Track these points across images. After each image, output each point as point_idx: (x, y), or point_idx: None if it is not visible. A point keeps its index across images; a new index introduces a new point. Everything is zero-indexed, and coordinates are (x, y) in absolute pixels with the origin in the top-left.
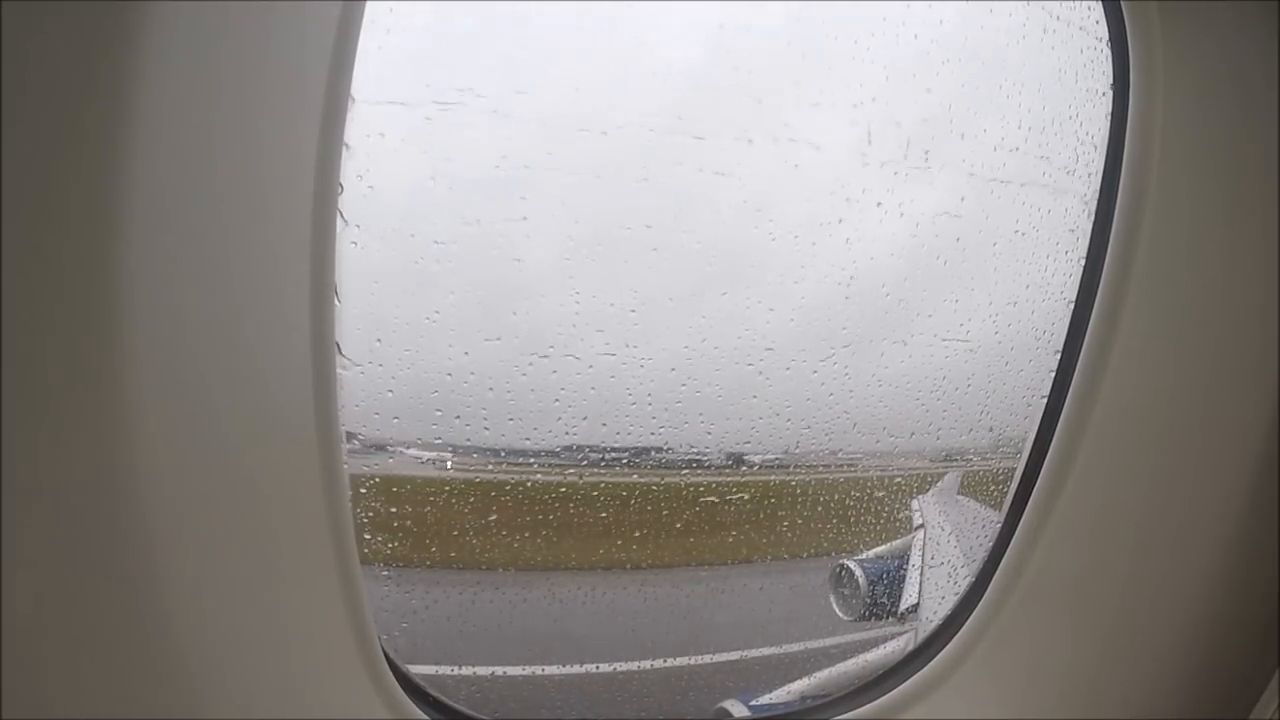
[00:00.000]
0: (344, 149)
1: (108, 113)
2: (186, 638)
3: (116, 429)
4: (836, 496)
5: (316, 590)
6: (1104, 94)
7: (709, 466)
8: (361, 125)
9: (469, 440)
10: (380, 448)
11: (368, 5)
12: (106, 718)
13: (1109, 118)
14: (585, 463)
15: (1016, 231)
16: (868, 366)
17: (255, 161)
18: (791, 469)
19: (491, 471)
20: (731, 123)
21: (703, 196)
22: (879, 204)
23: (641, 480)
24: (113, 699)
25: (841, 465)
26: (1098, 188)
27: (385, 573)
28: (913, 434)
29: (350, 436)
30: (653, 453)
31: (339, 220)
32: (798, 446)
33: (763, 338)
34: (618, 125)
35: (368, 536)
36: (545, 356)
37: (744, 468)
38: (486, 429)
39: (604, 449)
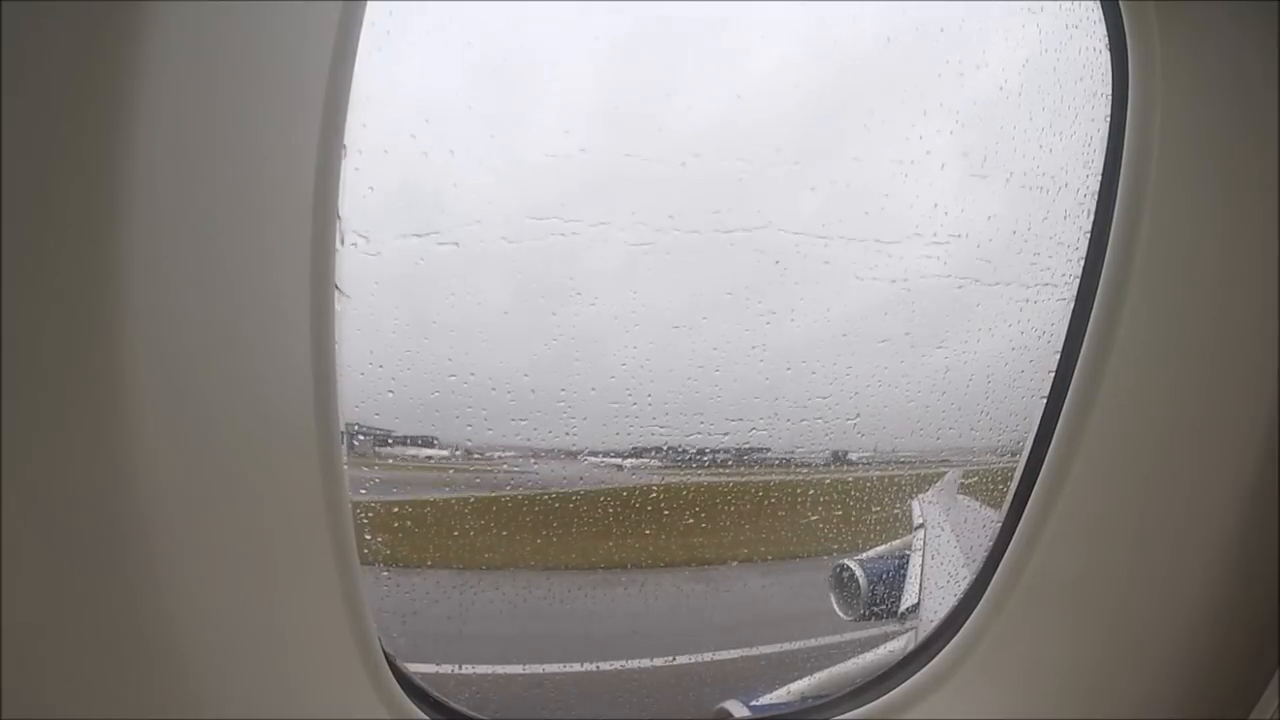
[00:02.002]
0: (344, 149)
1: (108, 113)
2: (186, 638)
3: (116, 429)
4: (838, 495)
5: (316, 590)
6: (1103, 94)
7: (709, 465)
8: (382, 128)
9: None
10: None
11: (368, 5)
12: (106, 718)
13: (1108, 118)
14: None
15: (1014, 232)
16: (869, 368)
17: (255, 161)
18: (793, 468)
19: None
20: (793, 139)
21: (758, 208)
22: (917, 219)
23: (643, 479)
24: (113, 699)
25: (842, 464)
26: (1097, 188)
27: (385, 573)
28: (913, 433)
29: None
30: (652, 452)
31: (338, 221)
32: (800, 446)
33: (786, 344)
34: (685, 131)
35: (368, 537)
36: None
37: (744, 467)
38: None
39: (605, 450)
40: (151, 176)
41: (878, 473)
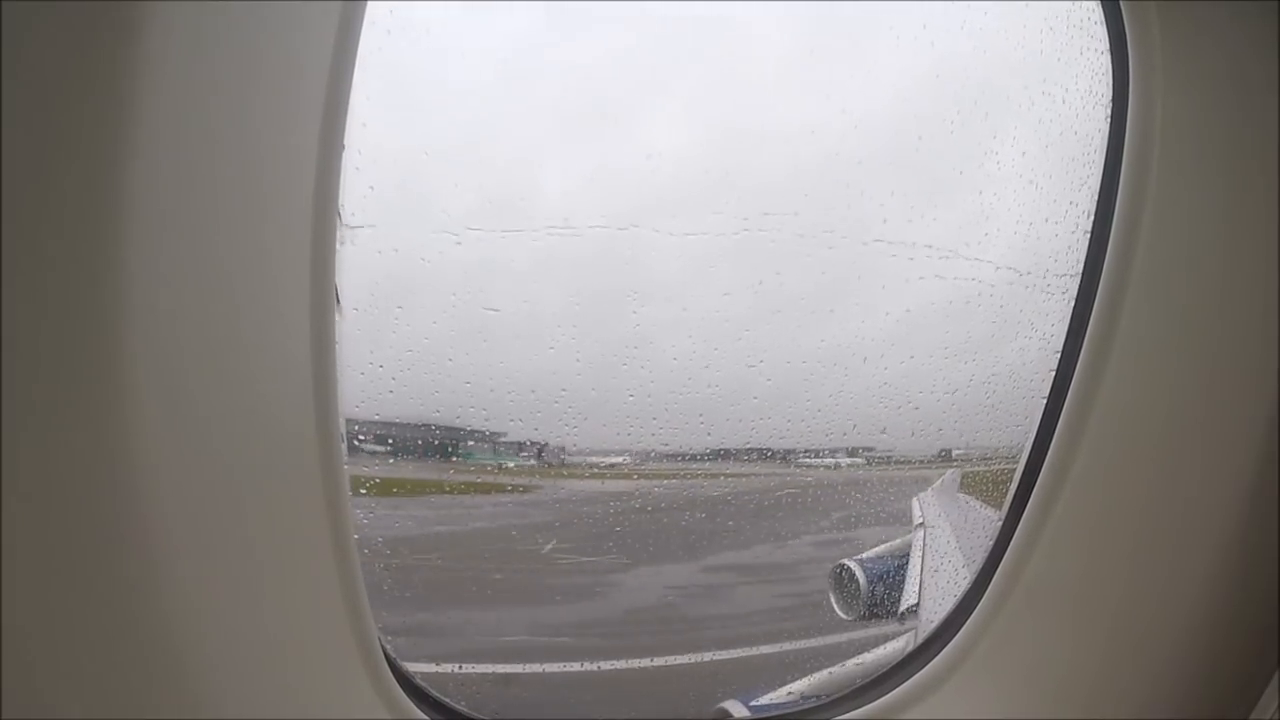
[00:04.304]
0: (343, 149)
1: (108, 113)
2: (186, 638)
3: (116, 429)
4: (836, 494)
5: (316, 591)
6: (1104, 94)
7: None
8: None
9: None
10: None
11: (368, 5)
12: (106, 718)
13: (1109, 118)
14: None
15: (1014, 232)
16: (870, 369)
17: (255, 161)
18: (793, 467)
19: None
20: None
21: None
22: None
23: (643, 479)
24: (112, 699)
25: (844, 462)
26: (1098, 187)
27: (385, 571)
28: (913, 434)
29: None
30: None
31: (339, 221)
32: (799, 445)
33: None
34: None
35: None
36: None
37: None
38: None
39: (598, 449)
40: (151, 176)
41: (879, 471)
